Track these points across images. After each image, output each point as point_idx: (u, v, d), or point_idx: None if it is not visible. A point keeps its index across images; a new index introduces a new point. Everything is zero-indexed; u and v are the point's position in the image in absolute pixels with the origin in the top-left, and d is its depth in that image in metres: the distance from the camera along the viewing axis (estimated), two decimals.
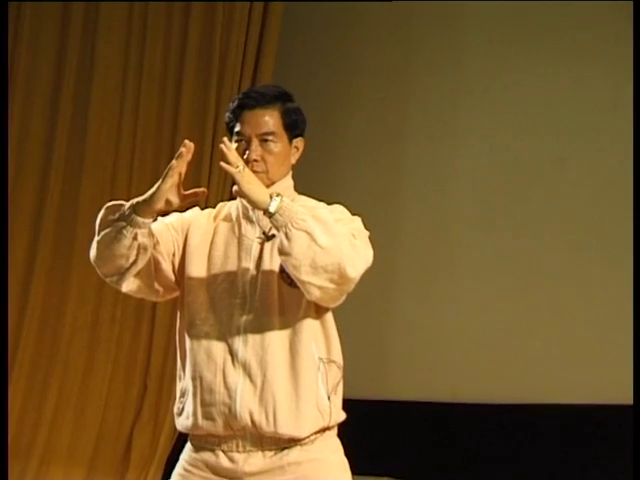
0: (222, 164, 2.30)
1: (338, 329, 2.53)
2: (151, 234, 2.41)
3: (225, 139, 2.35)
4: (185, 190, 2.40)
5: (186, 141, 2.33)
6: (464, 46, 4.74)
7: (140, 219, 2.33)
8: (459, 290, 4.60)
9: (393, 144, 4.89)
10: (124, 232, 2.33)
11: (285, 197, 2.32)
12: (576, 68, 4.45)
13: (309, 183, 2.68)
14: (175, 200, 2.37)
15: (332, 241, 2.28)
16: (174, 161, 2.32)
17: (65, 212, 4.82)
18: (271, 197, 2.28)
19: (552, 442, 4.18)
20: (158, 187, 2.32)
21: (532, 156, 4.52)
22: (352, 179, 4.88)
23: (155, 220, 2.43)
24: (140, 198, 2.35)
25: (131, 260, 2.38)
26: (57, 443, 4.67)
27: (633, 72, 3.87)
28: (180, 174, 2.34)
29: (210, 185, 4.59)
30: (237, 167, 2.29)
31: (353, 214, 2.53)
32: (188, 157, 2.33)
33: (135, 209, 2.33)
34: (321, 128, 4.78)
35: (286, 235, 2.26)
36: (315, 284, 2.31)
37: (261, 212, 2.35)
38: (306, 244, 2.26)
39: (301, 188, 2.61)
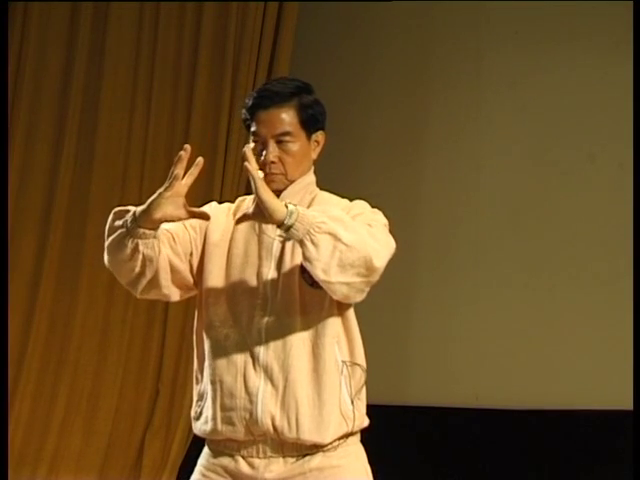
0: (246, 165, 2.22)
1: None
2: (155, 246, 2.30)
3: (248, 146, 2.28)
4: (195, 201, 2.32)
5: (186, 145, 2.25)
6: (487, 38, 4.66)
7: (140, 230, 2.25)
8: (481, 294, 4.52)
9: (414, 142, 4.81)
10: (125, 241, 2.27)
11: (297, 204, 2.26)
12: (607, 61, 4.36)
13: (329, 183, 2.61)
14: (178, 214, 2.25)
15: (355, 236, 2.25)
16: (174, 167, 2.23)
17: (74, 212, 4.76)
18: (286, 207, 2.21)
19: (578, 448, 4.12)
20: (159, 194, 2.23)
21: (560, 153, 4.44)
22: (371, 181, 4.77)
23: (156, 229, 2.31)
24: (141, 207, 2.27)
25: (137, 271, 2.32)
26: (67, 450, 4.61)
27: (633, 72, 3.77)
28: (185, 185, 2.24)
29: (224, 183, 4.56)
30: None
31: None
32: (195, 173, 2.26)
33: (137, 218, 2.25)
34: (339, 129, 4.70)
35: (312, 242, 2.22)
36: (343, 281, 2.26)
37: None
38: (332, 245, 2.22)
39: (322, 187, 2.56)
